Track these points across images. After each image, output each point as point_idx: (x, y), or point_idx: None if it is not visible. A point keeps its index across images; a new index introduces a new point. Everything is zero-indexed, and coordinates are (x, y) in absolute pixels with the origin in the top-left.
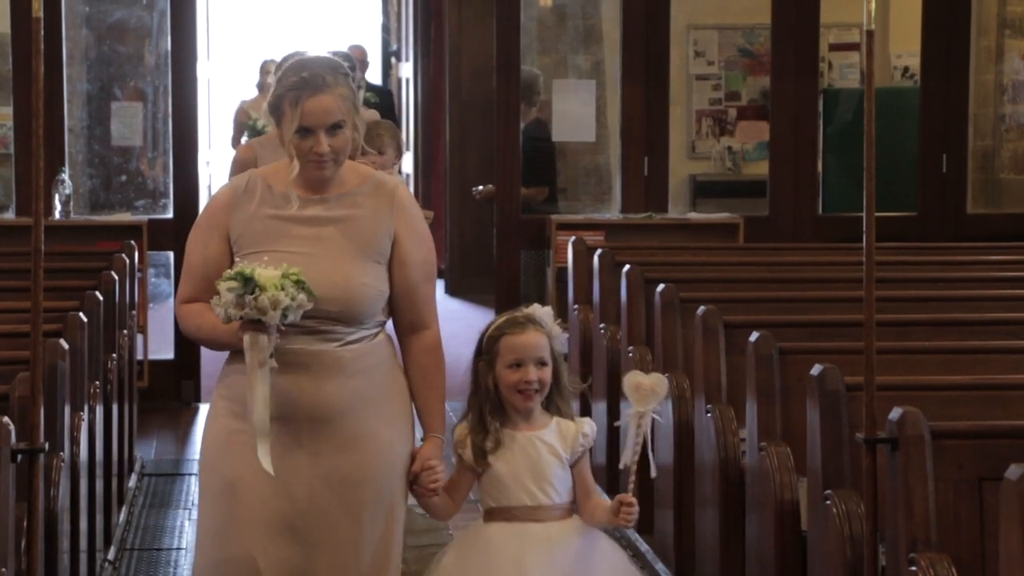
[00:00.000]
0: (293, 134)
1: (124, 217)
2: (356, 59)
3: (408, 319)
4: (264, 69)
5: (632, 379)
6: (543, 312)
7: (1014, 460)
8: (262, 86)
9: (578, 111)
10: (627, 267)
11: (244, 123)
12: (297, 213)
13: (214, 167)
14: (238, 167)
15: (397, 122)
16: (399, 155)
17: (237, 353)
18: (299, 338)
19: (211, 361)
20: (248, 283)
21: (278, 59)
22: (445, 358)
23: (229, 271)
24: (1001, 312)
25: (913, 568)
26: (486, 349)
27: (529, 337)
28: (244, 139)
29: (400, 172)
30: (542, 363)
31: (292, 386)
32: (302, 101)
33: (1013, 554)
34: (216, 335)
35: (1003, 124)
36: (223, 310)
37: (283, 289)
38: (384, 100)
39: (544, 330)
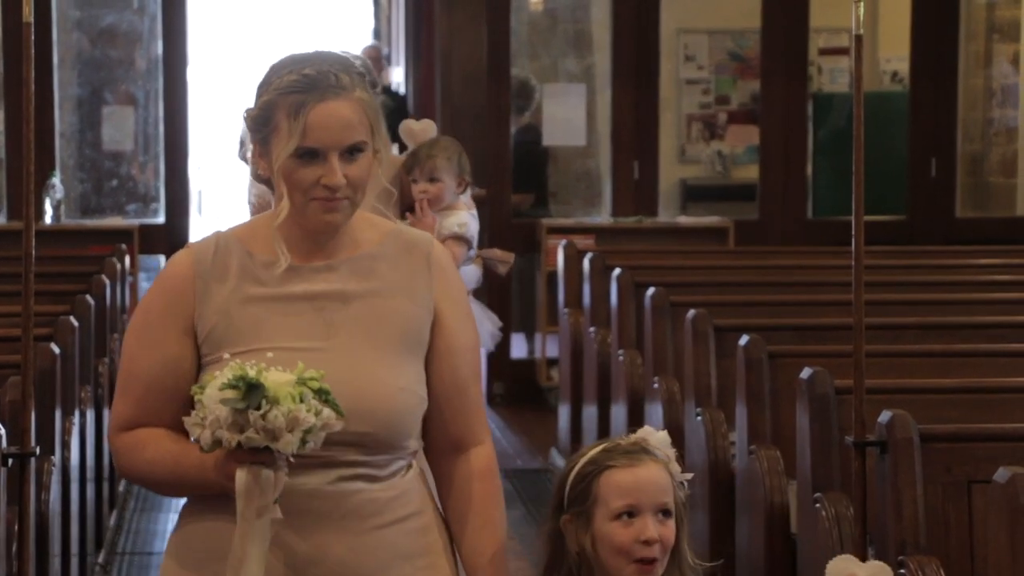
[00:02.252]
0: (288, 158)
1: (115, 221)
2: (371, 60)
3: (452, 433)
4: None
5: (843, 570)
6: (658, 438)
7: (1003, 463)
8: None
9: (568, 115)
10: (617, 271)
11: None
12: (294, 289)
13: (205, 172)
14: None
15: None
16: (462, 184)
17: (207, 497)
18: (310, 474)
19: None
20: (253, 392)
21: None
22: None
23: (221, 373)
24: (990, 315)
25: (902, 571)
26: (574, 495)
27: (647, 472)
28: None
29: (467, 209)
30: (665, 512)
31: (302, 545)
32: (306, 109)
33: (1001, 557)
34: (185, 472)
35: (992, 128)
36: (209, 432)
37: (302, 401)
38: (399, 104)
39: (664, 464)
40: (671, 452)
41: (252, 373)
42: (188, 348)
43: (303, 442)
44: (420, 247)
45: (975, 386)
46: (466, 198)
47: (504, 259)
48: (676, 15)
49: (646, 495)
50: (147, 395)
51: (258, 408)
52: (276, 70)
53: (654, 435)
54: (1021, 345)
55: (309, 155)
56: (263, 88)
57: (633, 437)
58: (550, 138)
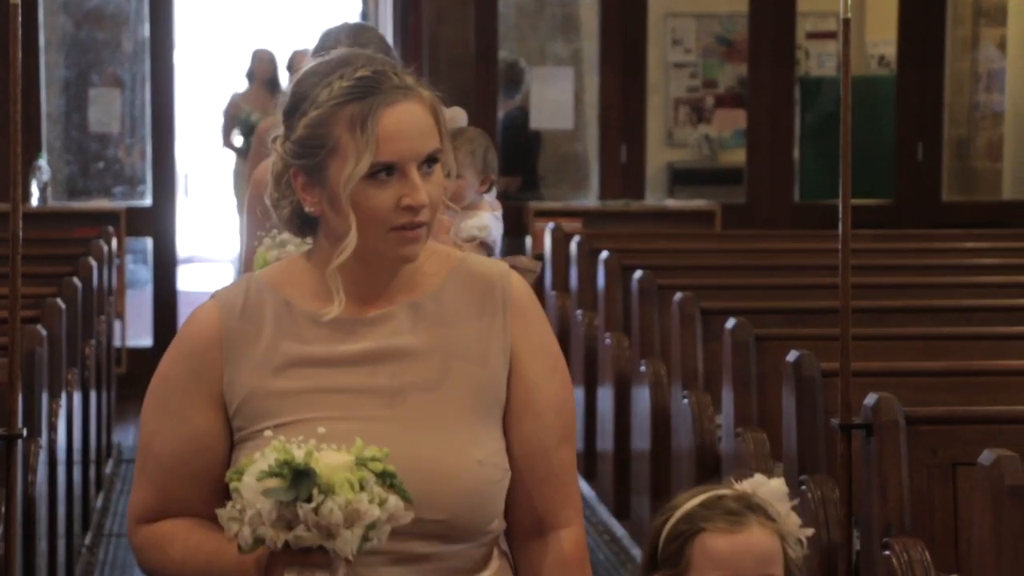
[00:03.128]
0: (363, 180)
1: (102, 204)
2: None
3: (534, 510)
4: (257, 57)
5: None
6: (770, 490)
7: (988, 445)
8: (253, 75)
9: (556, 99)
10: (604, 254)
11: (236, 117)
12: (346, 348)
13: (191, 155)
14: (256, 147)
15: None
16: (486, 181)
17: None
18: (376, 573)
19: None
20: (302, 480)
21: (264, 48)
22: None
23: (262, 456)
24: (976, 299)
25: (887, 552)
26: (666, 555)
27: (748, 539)
28: (237, 136)
29: (491, 210)
30: None
31: None
32: (375, 117)
33: (985, 538)
34: (221, 573)
35: (978, 112)
36: (249, 529)
37: (363, 489)
38: None
39: (773, 525)
40: (785, 506)
41: (300, 456)
42: (217, 422)
43: (364, 539)
44: (494, 284)
45: (961, 369)
46: (491, 198)
47: (531, 268)
48: None
49: (746, 567)
50: (170, 480)
51: (309, 500)
52: (313, 82)
53: (765, 485)
54: (1006, 328)
55: (385, 172)
56: (303, 104)
57: (740, 488)
58: (537, 121)
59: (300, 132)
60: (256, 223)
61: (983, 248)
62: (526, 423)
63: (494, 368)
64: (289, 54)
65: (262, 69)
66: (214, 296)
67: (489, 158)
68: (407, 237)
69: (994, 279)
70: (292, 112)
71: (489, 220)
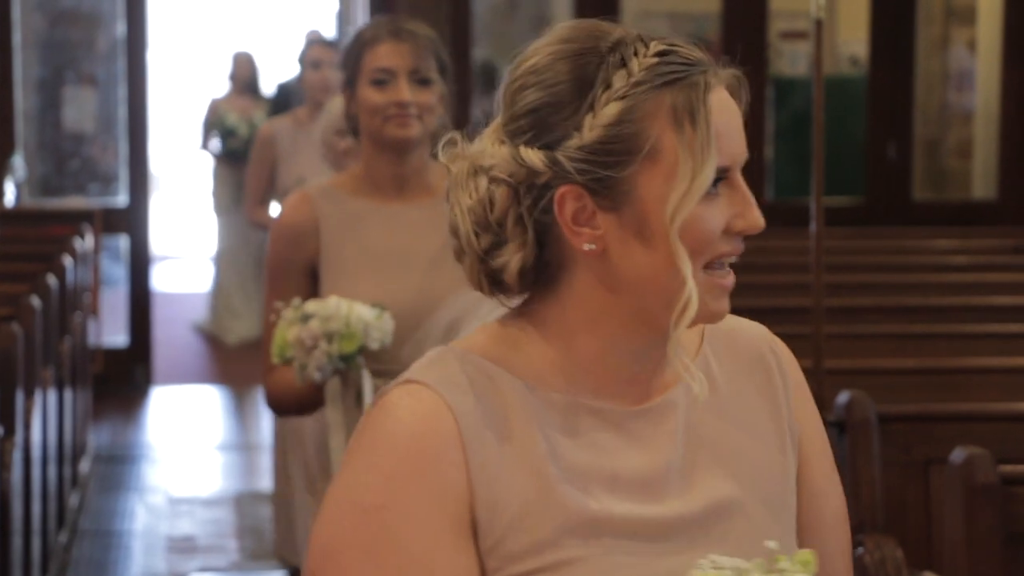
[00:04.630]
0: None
1: (77, 202)
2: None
3: None
4: (237, 60)
5: None
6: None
7: (960, 443)
8: (234, 77)
9: None
10: None
11: (215, 121)
12: (628, 461)
13: (164, 154)
14: (258, 149)
15: None
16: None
17: None
18: None
19: (164, 345)
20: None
21: (245, 51)
22: None
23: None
24: (947, 297)
25: (860, 549)
26: None
27: None
28: (216, 142)
29: None
30: None
31: None
32: (707, 104)
33: (957, 536)
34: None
35: (949, 112)
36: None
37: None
38: None
39: None
40: None
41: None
42: (468, 556)
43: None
44: (761, 350)
45: (933, 367)
46: None
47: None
48: None
49: None
50: None
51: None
52: (584, 62)
53: None
54: (978, 326)
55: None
56: (588, 93)
57: None
58: None
59: (595, 133)
60: (275, 290)
61: (954, 246)
62: (816, 536)
63: (782, 464)
64: (301, 46)
65: (242, 72)
66: (427, 390)
67: None
68: (724, 285)
69: (965, 277)
70: (565, 105)
71: None
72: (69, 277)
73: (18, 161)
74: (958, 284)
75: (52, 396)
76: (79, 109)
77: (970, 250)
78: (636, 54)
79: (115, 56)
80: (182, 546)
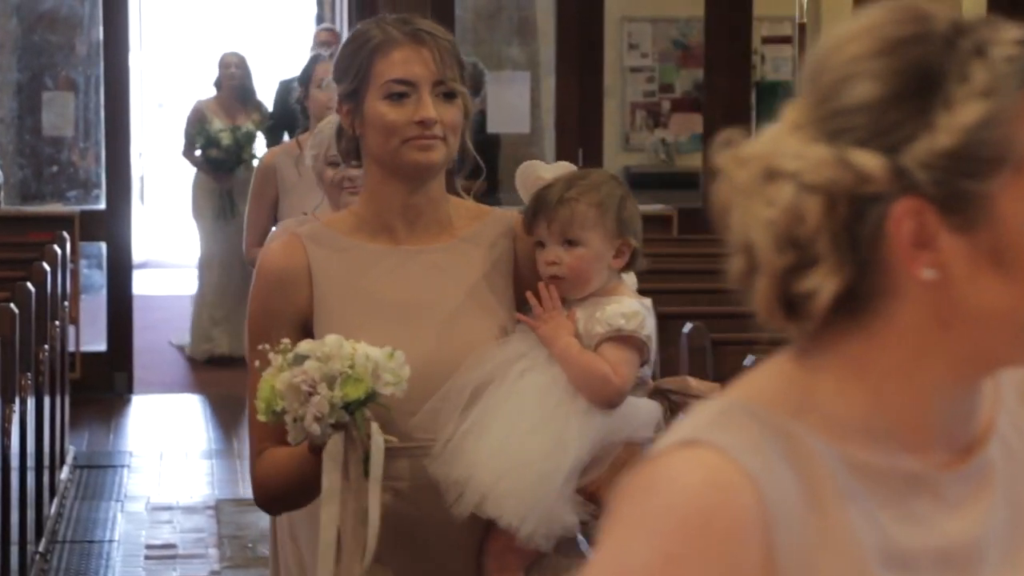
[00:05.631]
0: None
1: (55, 208)
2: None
3: None
4: (224, 63)
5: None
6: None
7: None
8: (220, 83)
9: (512, 103)
10: None
11: (197, 129)
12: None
13: (147, 159)
14: (258, 182)
15: None
16: (624, 252)
17: None
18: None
19: (144, 353)
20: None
21: (234, 52)
22: None
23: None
24: None
25: None
26: None
27: None
28: (197, 150)
29: (634, 297)
30: None
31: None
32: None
33: None
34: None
35: None
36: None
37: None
38: None
39: None
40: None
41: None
42: None
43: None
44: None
45: None
46: (631, 279)
47: (703, 393)
48: (620, 3)
49: None
50: None
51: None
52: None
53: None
54: None
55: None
56: (937, 89)
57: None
58: (494, 125)
59: (954, 137)
60: (258, 351)
61: None
62: None
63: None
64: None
65: (229, 75)
66: (726, 460)
67: (628, 216)
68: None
69: None
70: (906, 100)
71: (638, 307)
72: (48, 283)
73: None
74: None
75: (30, 403)
76: (58, 114)
77: None
78: (992, 42)
79: (94, 60)
80: (162, 554)
